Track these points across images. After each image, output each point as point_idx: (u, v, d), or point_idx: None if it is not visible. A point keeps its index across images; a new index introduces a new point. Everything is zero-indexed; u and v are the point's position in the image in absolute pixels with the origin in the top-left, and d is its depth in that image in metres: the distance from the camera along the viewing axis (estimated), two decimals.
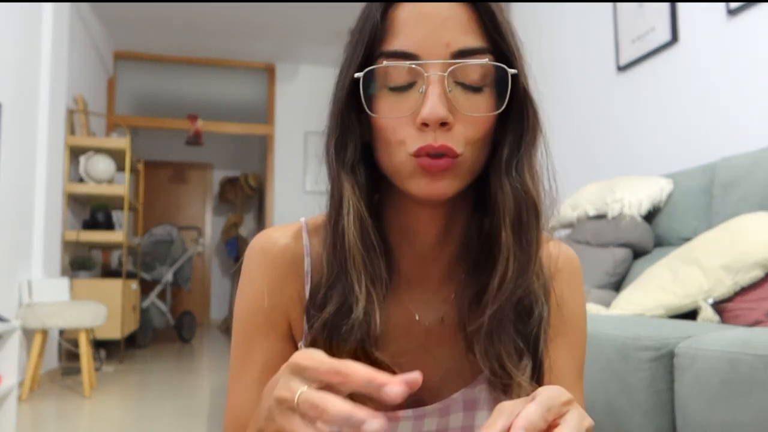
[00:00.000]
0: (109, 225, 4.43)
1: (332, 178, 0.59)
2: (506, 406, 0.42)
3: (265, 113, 6.25)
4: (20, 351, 2.48)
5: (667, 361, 1.25)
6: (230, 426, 0.64)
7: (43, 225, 3.56)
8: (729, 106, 2.28)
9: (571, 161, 3.20)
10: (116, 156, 4.42)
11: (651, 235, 2.25)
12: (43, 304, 3.16)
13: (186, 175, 7.85)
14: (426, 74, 0.53)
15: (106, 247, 5.08)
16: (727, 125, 2.29)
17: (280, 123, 6.17)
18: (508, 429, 0.41)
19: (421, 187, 0.54)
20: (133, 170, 4.99)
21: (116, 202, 4.49)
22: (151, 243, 5.53)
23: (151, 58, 5.99)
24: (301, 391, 0.40)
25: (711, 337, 1.19)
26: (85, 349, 3.22)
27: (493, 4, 0.55)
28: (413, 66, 0.53)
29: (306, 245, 0.64)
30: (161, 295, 5.57)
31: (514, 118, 0.57)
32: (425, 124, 0.53)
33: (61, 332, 3.84)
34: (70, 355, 4.02)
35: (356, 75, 0.55)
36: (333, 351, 0.56)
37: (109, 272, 5.00)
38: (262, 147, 6.85)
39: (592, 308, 1.89)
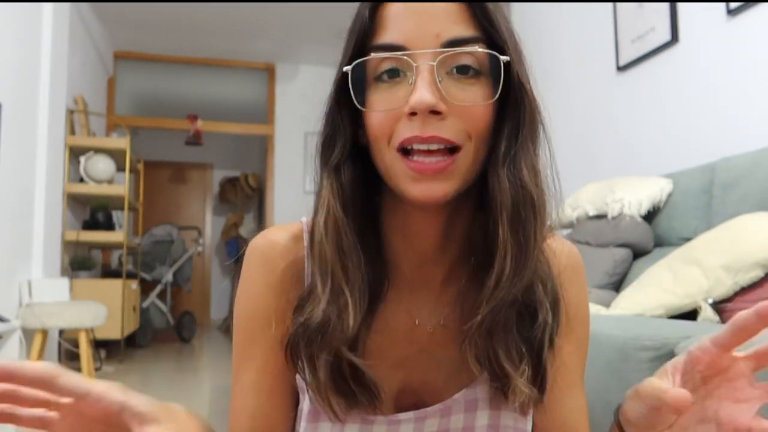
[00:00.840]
0: (109, 225, 4.43)
1: (317, 178, 0.59)
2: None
3: (265, 113, 6.25)
4: (20, 351, 2.48)
5: (667, 361, 1.25)
6: (234, 428, 0.64)
7: (43, 225, 3.56)
8: (729, 106, 2.28)
9: (571, 161, 3.20)
10: (116, 156, 4.42)
11: (651, 235, 2.25)
12: (43, 304, 3.16)
13: (186, 175, 7.85)
14: (415, 64, 0.51)
15: (106, 247, 5.08)
16: (727, 125, 2.29)
17: (280, 123, 6.17)
18: None
19: (415, 192, 0.53)
20: (133, 170, 4.99)
21: (116, 202, 4.49)
22: (151, 243, 5.53)
23: (151, 58, 5.99)
24: None
25: None
26: (85, 349, 3.22)
27: (489, 3, 0.54)
28: (402, 57, 0.52)
29: (306, 246, 0.62)
30: (161, 295, 5.57)
31: (511, 109, 0.55)
32: (414, 113, 0.51)
33: (61, 332, 3.84)
34: (70, 355, 4.02)
35: (345, 69, 0.54)
36: (312, 355, 0.55)
37: (109, 272, 5.00)
38: (262, 147, 6.85)
39: (592, 308, 1.89)
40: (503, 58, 0.53)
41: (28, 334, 3.15)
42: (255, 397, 0.62)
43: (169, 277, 5.53)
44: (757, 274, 1.58)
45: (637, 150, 2.79)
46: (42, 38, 3.61)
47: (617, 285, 2.20)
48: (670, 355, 1.25)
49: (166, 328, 5.57)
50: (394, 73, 0.53)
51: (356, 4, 0.57)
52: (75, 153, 4.31)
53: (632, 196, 2.28)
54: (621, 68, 2.91)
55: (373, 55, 0.53)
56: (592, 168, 3.05)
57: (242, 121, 6.19)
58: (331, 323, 0.54)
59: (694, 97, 2.46)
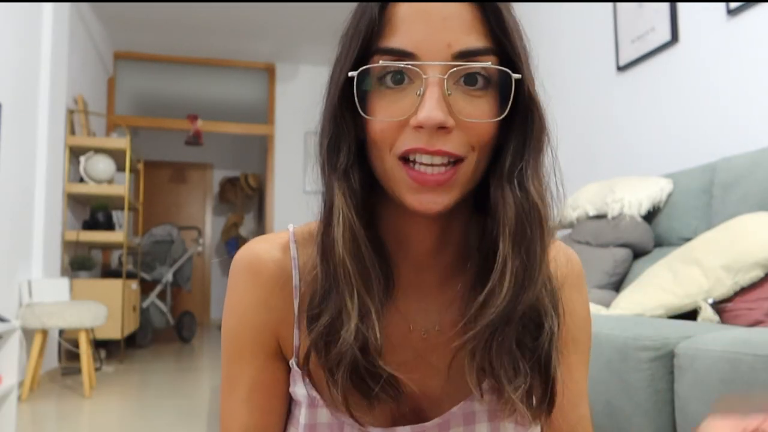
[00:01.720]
0: (109, 225, 4.43)
1: (324, 183, 0.56)
2: None
3: (265, 113, 6.25)
4: (20, 351, 2.48)
5: (667, 361, 1.25)
6: None
7: (43, 225, 3.56)
8: (729, 106, 2.28)
9: (571, 161, 3.19)
10: (116, 156, 4.42)
11: (651, 235, 2.25)
12: (43, 304, 3.16)
13: (186, 175, 7.85)
14: (425, 76, 0.50)
15: (106, 247, 5.08)
16: (727, 125, 2.29)
17: (280, 123, 6.17)
18: None
19: (413, 202, 0.52)
20: (133, 170, 4.99)
21: (116, 202, 4.49)
22: (151, 243, 5.53)
23: (151, 58, 5.99)
24: None
25: (711, 337, 1.19)
26: (85, 349, 3.22)
27: (501, 3, 0.52)
28: (411, 67, 0.50)
29: (294, 257, 0.60)
30: (161, 295, 5.57)
31: (518, 124, 0.54)
32: (420, 127, 0.50)
33: (61, 332, 3.84)
34: (70, 355, 4.02)
35: (350, 74, 0.52)
36: (330, 365, 0.54)
37: (109, 272, 5.00)
38: (262, 147, 6.85)
39: (592, 308, 1.89)
40: (515, 75, 0.51)
41: (28, 334, 3.15)
42: (248, 412, 0.61)
43: (169, 277, 5.53)
44: (757, 274, 1.58)
45: (637, 150, 2.79)
46: (42, 38, 3.61)
47: (617, 285, 2.20)
48: (670, 355, 1.25)
49: (166, 328, 5.57)
50: (399, 79, 0.51)
51: (356, 5, 0.55)
52: (75, 153, 4.31)
53: (632, 196, 2.28)
54: (621, 68, 2.91)
55: (381, 62, 0.51)
56: (592, 168, 3.05)
57: (242, 121, 6.19)
58: (353, 333, 0.53)
59: (694, 97, 2.46)
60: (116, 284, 4.24)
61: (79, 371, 3.52)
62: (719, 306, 1.63)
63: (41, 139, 3.59)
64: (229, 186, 7.68)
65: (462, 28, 0.50)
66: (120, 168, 4.47)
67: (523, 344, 0.54)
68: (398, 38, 0.51)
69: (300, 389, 0.60)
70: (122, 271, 4.51)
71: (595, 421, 1.34)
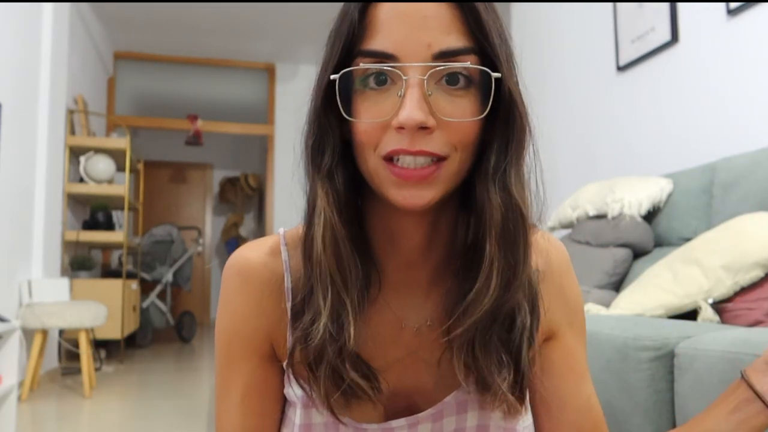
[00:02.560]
0: (109, 225, 4.43)
1: (308, 183, 0.57)
2: None
3: (265, 113, 6.25)
4: (20, 351, 2.48)
5: (667, 361, 1.25)
6: None
7: (43, 225, 3.56)
8: (729, 106, 2.28)
9: (571, 161, 3.20)
10: (116, 156, 4.42)
11: (651, 235, 2.25)
12: (43, 304, 3.16)
13: (186, 175, 7.85)
14: (405, 77, 0.50)
15: (106, 247, 5.08)
16: (727, 125, 2.29)
17: (280, 123, 6.17)
18: None
19: (398, 198, 0.52)
20: (133, 170, 5.00)
21: (116, 202, 4.50)
22: (151, 243, 5.53)
23: (151, 58, 5.99)
24: None
25: (711, 337, 1.19)
26: (85, 349, 3.22)
27: (480, 3, 0.52)
28: (391, 69, 0.51)
29: (285, 260, 0.61)
30: (161, 295, 5.57)
31: (501, 123, 0.54)
32: (402, 128, 0.50)
33: (61, 332, 3.84)
34: (70, 355, 4.02)
35: (332, 77, 0.53)
36: (310, 364, 0.55)
37: (109, 272, 5.00)
38: (262, 147, 6.85)
39: (592, 308, 1.89)
40: (495, 75, 0.51)
41: (28, 334, 3.15)
42: (242, 415, 0.62)
43: (169, 277, 5.53)
44: (757, 274, 1.57)
45: (637, 150, 2.79)
46: (42, 38, 3.61)
47: (617, 285, 2.20)
48: (670, 355, 1.25)
49: (166, 328, 5.57)
50: (381, 81, 0.52)
51: (344, 4, 0.55)
52: (75, 153, 4.32)
53: (632, 196, 2.28)
54: (621, 68, 2.91)
55: (362, 65, 0.52)
56: (592, 168, 3.05)
57: (242, 121, 6.19)
58: (335, 334, 0.54)
59: (694, 97, 2.46)
60: (116, 284, 4.24)
61: (79, 371, 3.53)
62: (719, 306, 1.63)
63: (41, 139, 3.59)
64: (229, 186, 7.68)
65: (441, 28, 0.51)
66: (120, 168, 4.47)
67: (500, 339, 0.56)
68: (378, 40, 0.52)
69: (296, 390, 0.61)
70: (122, 271, 4.51)
71: None
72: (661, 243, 2.25)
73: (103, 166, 4.25)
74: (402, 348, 0.61)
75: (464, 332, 0.54)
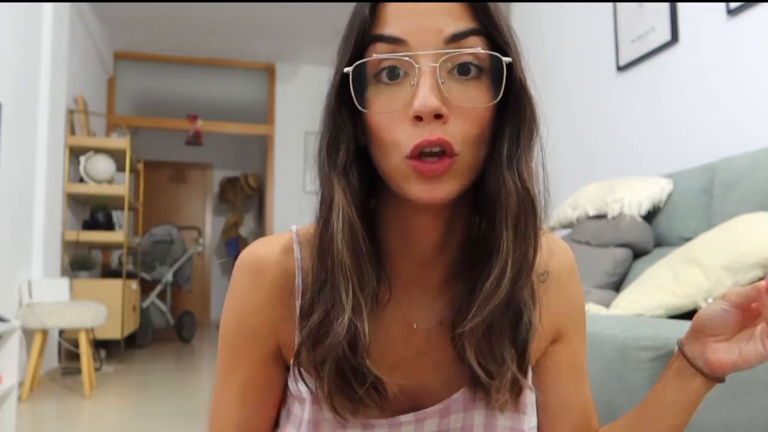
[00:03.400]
0: (109, 225, 4.43)
1: (323, 181, 0.57)
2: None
3: (265, 113, 6.25)
4: (20, 351, 2.48)
5: (666, 361, 1.25)
6: None
7: (43, 225, 3.56)
8: (729, 106, 2.28)
9: (571, 161, 3.20)
10: (116, 156, 4.42)
11: (651, 235, 2.25)
12: (43, 304, 3.16)
13: (186, 175, 7.85)
14: (417, 65, 0.51)
15: (106, 247, 5.08)
16: (727, 125, 2.29)
17: (280, 123, 6.17)
18: None
19: (418, 192, 0.52)
20: (133, 170, 5.00)
21: (116, 202, 4.50)
22: (151, 243, 5.53)
23: (151, 58, 5.99)
24: None
25: None
26: (85, 349, 3.22)
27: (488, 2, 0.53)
28: (404, 58, 0.51)
29: (297, 258, 0.61)
30: (161, 295, 5.57)
31: (512, 111, 0.55)
32: (419, 118, 0.50)
33: (61, 332, 3.84)
34: (70, 355, 4.02)
35: (346, 70, 0.53)
36: (317, 361, 0.55)
37: (109, 272, 5.00)
38: (262, 147, 6.85)
39: (592, 308, 1.89)
40: (506, 59, 0.52)
41: (28, 334, 3.15)
42: (240, 410, 0.63)
43: (169, 277, 5.53)
44: (757, 274, 1.57)
45: (637, 150, 2.79)
46: (42, 38, 3.61)
47: (617, 285, 2.19)
48: (670, 355, 1.25)
49: (166, 328, 5.57)
50: (394, 74, 0.52)
51: (356, 4, 0.56)
52: (75, 153, 4.32)
53: (632, 196, 2.28)
54: (621, 68, 2.91)
55: (375, 56, 0.52)
56: (592, 168, 3.05)
57: (242, 121, 6.19)
58: (344, 330, 0.54)
59: (694, 97, 2.46)
60: (116, 284, 4.24)
61: (79, 371, 3.53)
62: None
63: (41, 139, 3.59)
64: (229, 186, 7.68)
65: (451, 15, 0.52)
66: (120, 168, 4.47)
67: (508, 333, 0.57)
68: (390, 28, 0.52)
69: (304, 386, 0.61)
70: (122, 271, 4.51)
71: None
72: (661, 243, 2.25)
73: (103, 166, 4.25)
74: (411, 348, 0.61)
75: (476, 325, 0.55)
